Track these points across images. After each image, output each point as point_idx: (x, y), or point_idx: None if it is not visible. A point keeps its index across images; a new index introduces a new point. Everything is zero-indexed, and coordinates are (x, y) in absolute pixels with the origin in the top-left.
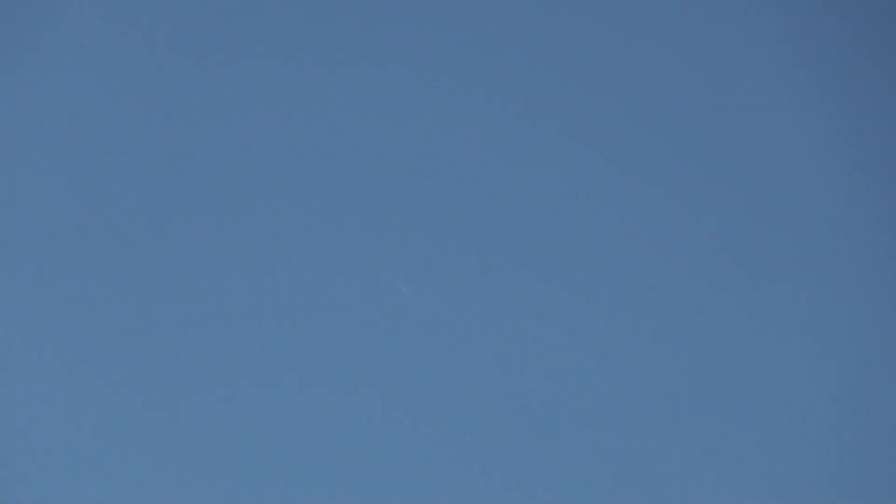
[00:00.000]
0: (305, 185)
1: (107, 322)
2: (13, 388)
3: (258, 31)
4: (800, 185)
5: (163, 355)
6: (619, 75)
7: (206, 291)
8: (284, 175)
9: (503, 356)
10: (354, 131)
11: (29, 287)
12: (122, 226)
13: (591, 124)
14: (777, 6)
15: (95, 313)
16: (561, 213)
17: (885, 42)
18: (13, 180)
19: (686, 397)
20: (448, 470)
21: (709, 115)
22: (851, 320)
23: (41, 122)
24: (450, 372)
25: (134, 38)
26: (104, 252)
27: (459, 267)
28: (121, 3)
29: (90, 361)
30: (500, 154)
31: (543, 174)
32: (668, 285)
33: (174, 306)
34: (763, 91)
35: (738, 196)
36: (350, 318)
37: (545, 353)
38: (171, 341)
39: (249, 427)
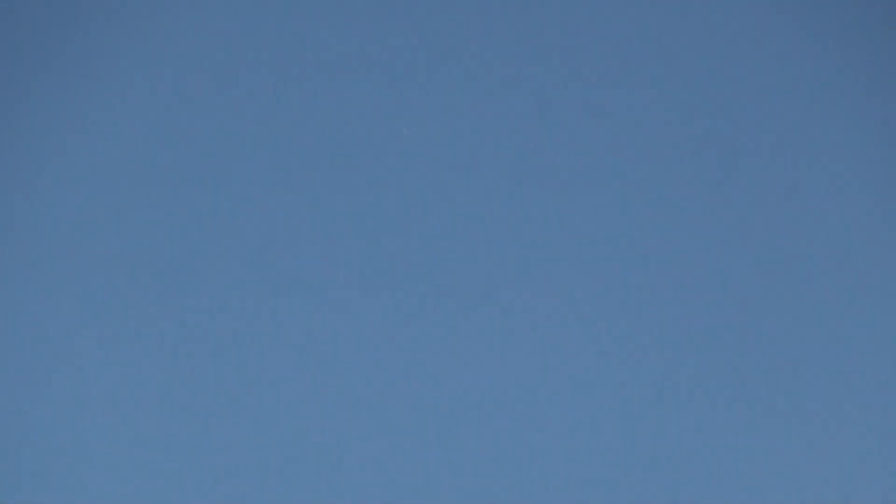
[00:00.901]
0: (307, 188)
1: (110, 321)
2: (13, 389)
3: (258, 32)
4: (811, 182)
5: (164, 357)
6: (621, 71)
7: (208, 291)
8: (285, 178)
9: (506, 357)
10: (359, 136)
11: (32, 287)
12: (128, 228)
13: (595, 122)
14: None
15: (98, 313)
16: (565, 213)
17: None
18: (20, 184)
19: (693, 398)
20: (450, 471)
21: (717, 109)
22: (860, 318)
23: (42, 125)
24: (453, 371)
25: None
26: (111, 254)
27: (460, 267)
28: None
29: (91, 362)
30: (502, 153)
31: (546, 172)
32: (674, 284)
33: (177, 307)
34: (774, 88)
35: (747, 194)
36: (355, 318)
37: (548, 353)
38: (174, 343)
39: (252, 429)
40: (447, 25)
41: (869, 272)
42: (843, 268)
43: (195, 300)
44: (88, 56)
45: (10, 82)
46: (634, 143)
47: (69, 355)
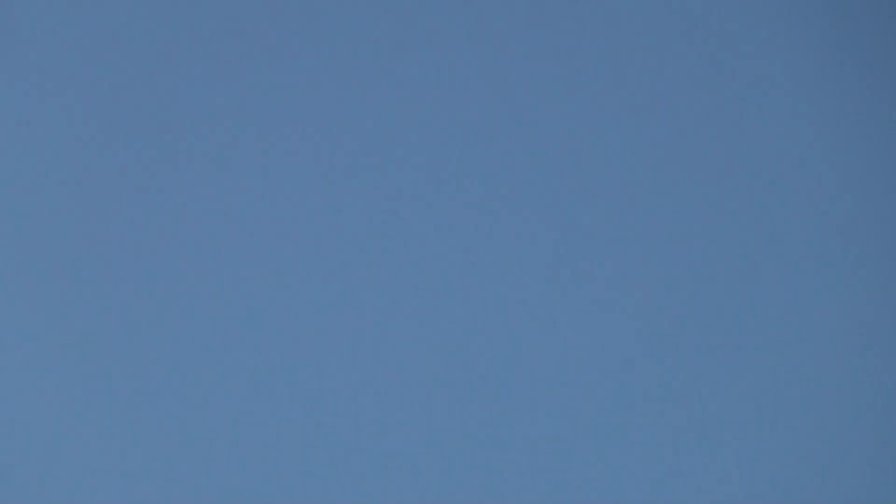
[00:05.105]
0: (304, 185)
1: (106, 321)
2: (12, 389)
3: (255, 26)
4: (801, 186)
5: (162, 357)
6: (615, 75)
7: (205, 289)
8: (282, 175)
9: (501, 361)
10: (352, 130)
11: (26, 287)
12: (119, 225)
13: (590, 124)
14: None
15: (95, 312)
16: (560, 214)
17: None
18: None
19: (687, 400)
20: (447, 471)
21: (709, 112)
22: (852, 321)
23: (35, 119)
24: (452, 371)
25: (128, 32)
26: (105, 251)
27: (457, 268)
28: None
29: (91, 362)
30: (499, 153)
31: (542, 173)
32: (668, 286)
33: (174, 305)
34: (765, 94)
35: (739, 197)
36: (352, 317)
37: (543, 356)
38: (170, 342)
39: (248, 429)
40: (442, 22)
41: (868, 271)
42: (838, 264)
43: (182, 296)
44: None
45: None
46: (628, 146)
47: (60, 353)
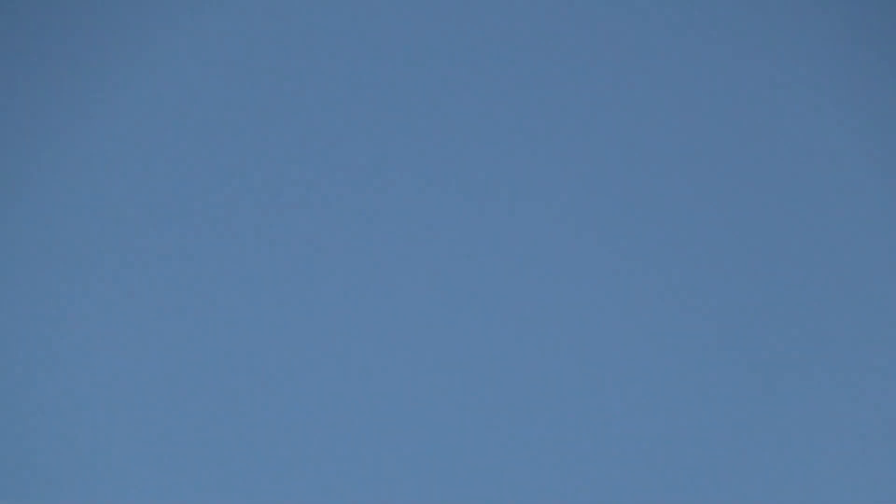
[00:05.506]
0: (306, 186)
1: (110, 320)
2: (13, 388)
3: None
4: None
5: (165, 356)
6: (624, 72)
7: (209, 288)
8: (284, 176)
9: (500, 363)
10: (357, 131)
11: (30, 286)
12: (127, 225)
13: (590, 124)
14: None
15: (101, 312)
16: (564, 214)
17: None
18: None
19: (700, 398)
20: (446, 471)
21: (717, 111)
22: (858, 322)
23: (46, 121)
24: (453, 371)
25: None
26: (113, 252)
27: (457, 270)
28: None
29: (91, 360)
30: (497, 157)
31: (540, 179)
32: (671, 287)
33: (179, 305)
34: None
35: (750, 200)
36: (355, 317)
37: (544, 365)
38: (176, 342)
39: (252, 429)
40: (444, 23)
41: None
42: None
43: (197, 297)
44: (87, 57)
45: (9, 80)
46: (634, 137)
47: (68, 354)
